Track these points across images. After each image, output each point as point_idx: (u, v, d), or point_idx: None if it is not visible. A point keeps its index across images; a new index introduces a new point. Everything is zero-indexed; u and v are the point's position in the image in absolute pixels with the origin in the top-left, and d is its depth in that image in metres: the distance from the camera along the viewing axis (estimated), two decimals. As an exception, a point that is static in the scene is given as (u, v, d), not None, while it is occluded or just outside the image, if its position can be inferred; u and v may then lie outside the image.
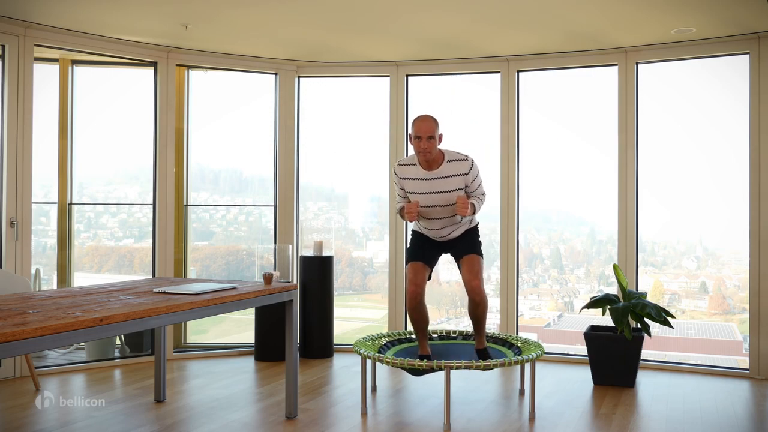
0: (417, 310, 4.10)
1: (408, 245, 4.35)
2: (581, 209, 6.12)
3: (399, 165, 4.08)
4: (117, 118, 5.90)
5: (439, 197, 3.97)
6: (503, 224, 5.61)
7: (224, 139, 6.19)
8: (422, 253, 4.19)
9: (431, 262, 4.23)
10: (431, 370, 3.77)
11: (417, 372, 4.09)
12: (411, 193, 4.03)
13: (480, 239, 4.25)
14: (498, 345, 4.46)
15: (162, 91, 5.48)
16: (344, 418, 3.92)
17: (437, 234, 4.16)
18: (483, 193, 4.10)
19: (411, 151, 5.85)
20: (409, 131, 3.98)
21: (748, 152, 4.99)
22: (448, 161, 3.96)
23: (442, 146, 3.98)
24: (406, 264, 4.22)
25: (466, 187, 3.98)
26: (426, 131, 3.85)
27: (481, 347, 4.20)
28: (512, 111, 5.62)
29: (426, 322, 4.17)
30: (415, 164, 4.01)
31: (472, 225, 4.24)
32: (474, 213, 3.98)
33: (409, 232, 5.83)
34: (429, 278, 4.22)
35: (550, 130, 5.83)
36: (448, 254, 4.29)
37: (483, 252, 4.20)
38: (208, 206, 6.28)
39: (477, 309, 4.07)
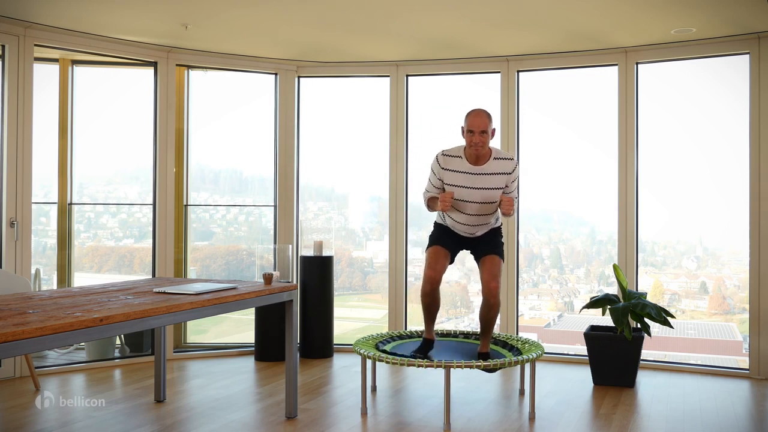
0: (431, 296, 4.07)
1: (430, 234, 4.28)
2: (581, 209, 6.12)
3: (443, 155, 4.00)
4: (117, 118, 5.90)
5: (479, 193, 3.93)
6: (503, 224, 5.60)
7: (224, 139, 6.19)
8: (445, 241, 4.15)
9: (453, 252, 4.18)
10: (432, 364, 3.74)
11: (419, 356, 4.07)
12: (450, 185, 3.96)
13: (503, 240, 4.22)
14: (498, 347, 4.45)
15: (162, 91, 5.48)
16: (344, 418, 3.92)
17: (465, 230, 4.11)
18: (516, 197, 4.08)
19: (411, 151, 5.86)
20: (462, 124, 3.94)
21: (748, 152, 4.99)
22: (495, 158, 3.93)
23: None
24: (427, 249, 4.16)
25: (505, 186, 3.96)
26: (479, 126, 3.83)
27: (485, 350, 4.17)
28: (512, 111, 5.62)
29: (437, 307, 4.15)
30: (460, 157, 3.95)
31: (497, 225, 4.21)
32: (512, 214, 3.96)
33: (410, 232, 5.87)
34: (451, 262, 4.19)
35: (550, 130, 5.83)
36: (468, 251, 4.26)
37: (504, 253, 4.17)
38: (208, 206, 6.28)
39: (490, 311, 4.04)
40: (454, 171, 3.95)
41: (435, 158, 4.03)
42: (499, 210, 4.01)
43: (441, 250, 4.10)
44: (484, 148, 3.87)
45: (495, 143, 5.62)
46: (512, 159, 3.96)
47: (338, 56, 5.73)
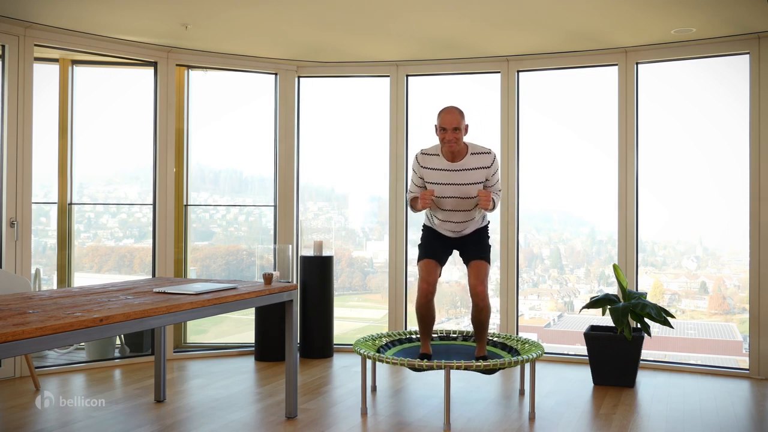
0: (426, 308, 4.11)
1: (419, 241, 4.32)
2: (581, 209, 6.12)
3: (422, 154, 4.04)
4: (117, 118, 5.90)
5: (459, 189, 3.96)
6: (503, 224, 5.60)
7: (224, 139, 6.19)
8: (434, 250, 4.18)
9: (443, 260, 4.23)
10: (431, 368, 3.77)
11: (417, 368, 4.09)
12: (430, 183, 4.00)
13: (490, 242, 4.24)
14: (497, 348, 4.45)
15: (162, 91, 5.48)
16: (344, 418, 3.92)
17: (450, 228, 4.14)
18: (500, 190, 4.11)
19: (411, 149, 5.86)
20: (435, 122, 3.96)
21: (748, 152, 4.99)
22: (472, 154, 3.96)
23: (466, 139, 3.98)
24: (419, 261, 4.20)
25: (486, 180, 3.98)
26: (451, 123, 3.85)
27: (482, 354, 4.18)
28: (512, 111, 5.62)
29: (432, 320, 4.19)
30: (438, 155, 3.99)
31: (484, 223, 4.23)
32: (494, 208, 3.98)
33: (410, 232, 5.87)
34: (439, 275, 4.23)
35: (550, 130, 5.83)
36: (457, 252, 4.29)
37: (491, 255, 4.20)
38: (208, 206, 6.28)
39: (480, 314, 4.07)
40: (433, 169, 3.99)
41: (414, 158, 4.08)
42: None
43: (431, 262, 4.14)
44: (458, 145, 3.90)
45: (495, 144, 5.65)
46: (489, 152, 3.97)
47: (338, 56, 5.73)
